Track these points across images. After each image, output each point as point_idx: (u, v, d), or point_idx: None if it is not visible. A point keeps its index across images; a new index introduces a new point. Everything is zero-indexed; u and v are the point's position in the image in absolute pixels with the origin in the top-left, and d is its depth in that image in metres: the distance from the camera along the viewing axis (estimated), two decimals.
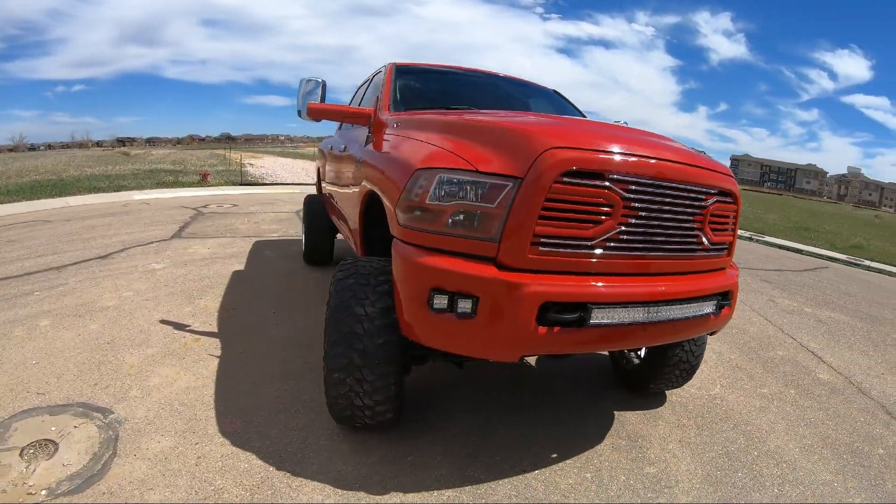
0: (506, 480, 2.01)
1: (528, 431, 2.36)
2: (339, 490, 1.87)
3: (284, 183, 13.72)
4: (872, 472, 2.28)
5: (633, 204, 1.68)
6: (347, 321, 1.91)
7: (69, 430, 2.06)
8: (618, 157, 1.67)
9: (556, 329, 1.61)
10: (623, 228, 1.69)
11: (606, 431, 2.42)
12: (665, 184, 1.74)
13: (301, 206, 9.05)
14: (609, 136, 1.78)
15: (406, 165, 1.84)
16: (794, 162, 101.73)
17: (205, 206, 8.49)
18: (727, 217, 2.00)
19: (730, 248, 2.07)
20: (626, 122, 3.01)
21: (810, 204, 45.14)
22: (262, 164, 22.67)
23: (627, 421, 2.53)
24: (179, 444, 2.05)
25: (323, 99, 2.69)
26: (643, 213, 1.71)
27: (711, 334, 2.18)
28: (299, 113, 2.73)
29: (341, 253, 5.37)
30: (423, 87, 3.11)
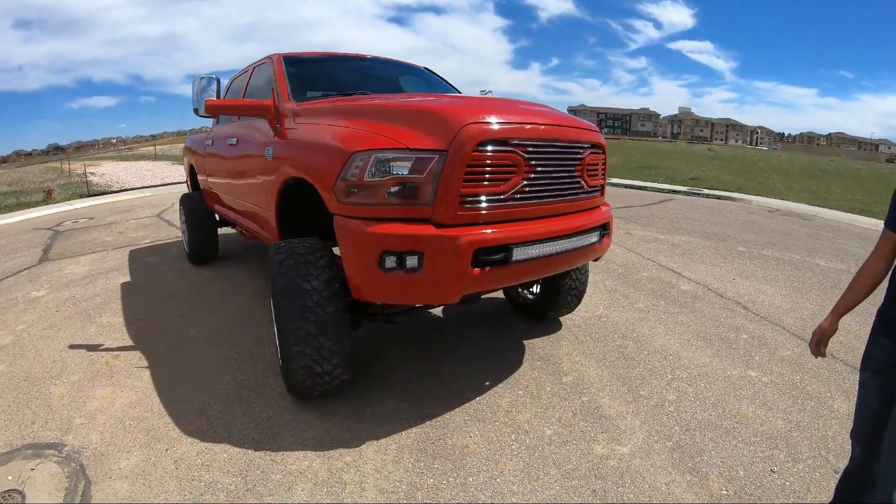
0: (457, 410, 2.40)
1: (461, 369, 2.76)
2: (321, 452, 2.09)
3: (133, 188, 13.21)
4: (741, 351, 2.96)
5: (531, 162, 2.07)
6: (298, 297, 2.08)
7: (28, 475, 1.97)
8: (517, 126, 2.04)
9: (487, 269, 1.97)
10: (526, 182, 2.07)
11: (523, 357, 2.92)
12: (553, 143, 2.16)
13: (160, 209, 8.36)
14: (507, 109, 2.13)
15: (339, 150, 2.02)
16: (628, 108, 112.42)
17: (59, 225, 7.68)
18: (598, 165, 2.49)
19: (602, 189, 2.59)
20: (490, 92, 3.45)
21: (648, 144, 48.43)
22: (103, 171, 21.72)
23: (537, 346, 3.05)
24: (150, 455, 2.09)
25: (218, 95, 2.70)
26: (539, 168, 2.11)
27: (596, 260, 2.71)
28: (196, 111, 2.72)
29: (226, 247, 5.24)
30: (314, 76, 3.20)
